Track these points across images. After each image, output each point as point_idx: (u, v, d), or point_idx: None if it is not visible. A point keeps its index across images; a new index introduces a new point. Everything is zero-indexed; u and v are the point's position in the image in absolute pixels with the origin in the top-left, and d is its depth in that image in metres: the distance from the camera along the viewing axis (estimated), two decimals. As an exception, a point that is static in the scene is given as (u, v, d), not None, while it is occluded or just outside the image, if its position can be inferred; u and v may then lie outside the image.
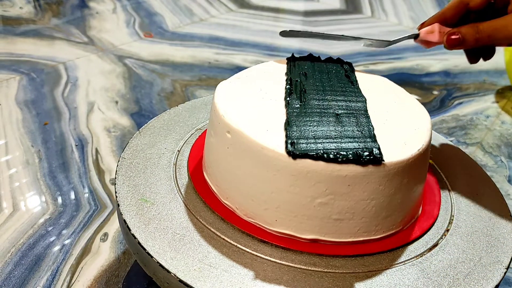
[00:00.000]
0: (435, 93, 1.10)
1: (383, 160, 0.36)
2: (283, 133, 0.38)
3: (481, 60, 0.49)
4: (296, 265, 0.38)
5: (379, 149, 0.37)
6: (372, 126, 0.39)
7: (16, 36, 1.19)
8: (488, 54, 0.48)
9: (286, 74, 0.46)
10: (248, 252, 0.39)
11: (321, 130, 0.38)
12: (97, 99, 0.96)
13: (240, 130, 0.38)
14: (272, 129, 0.38)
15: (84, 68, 1.07)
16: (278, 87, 0.44)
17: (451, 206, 0.46)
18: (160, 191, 0.44)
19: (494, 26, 0.42)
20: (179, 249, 0.38)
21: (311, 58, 0.50)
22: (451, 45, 0.44)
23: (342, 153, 0.36)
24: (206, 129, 0.47)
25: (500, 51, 1.06)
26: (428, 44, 0.48)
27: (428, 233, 0.42)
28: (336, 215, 0.38)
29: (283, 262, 0.38)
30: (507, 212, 0.47)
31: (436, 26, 0.46)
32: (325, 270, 0.38)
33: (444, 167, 0.52)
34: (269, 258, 0.38)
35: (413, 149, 0.39)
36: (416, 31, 0.48)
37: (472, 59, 0.48)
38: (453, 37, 0.44)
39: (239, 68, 1.11)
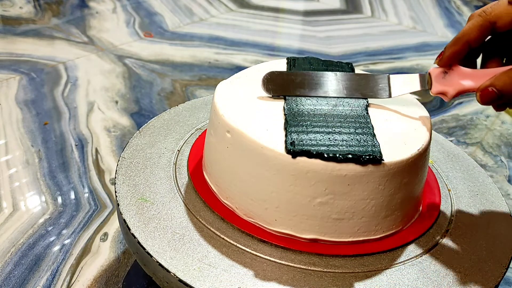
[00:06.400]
0: (435, 93, 1.10)
1: (383, 160, 0.36)
2: (283, 133, 0.38)
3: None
4: (295, 265, 0.38)
5: (379, 148, 0.37)
6: (372, 125, 0.39)
7: (16, 36, 1.19)
8: None
9: (286, 74, 0.46)
10: (247, 251, 0.39)
11: (321, 130, 0.38)
12: (97, 99, 0.96)
13: (240, 129, 0.38)
14: (271, 128, 0.38)
15: (84, 68, 1.07)
16: (278, 86, 0.44)
17: (451, 206, 0.46)
18: (160, 190, 0.44)
19: None
20: (178, 248, 0.38)
21: (311, 58, 0.49)
22: (487, 102, 0.36)
23: (341, 152, 0.36)
24: (206, 129, 0.47)
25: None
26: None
27: (428, 233, 0.42)
28: (336, 214, 0.38)
29: (283, 262, 0.38)
30: (507, 212, 0.47)
31: (450, 90, 0.39)
32: (325, 270, 0.38)
33: (444, 167, 0.52)
34: (268, 258, 0.38)
35: (413, 149, 0.39)
36: (426, 81, 0.41)
37: (500, 107, 0.39)
38: (487, 93, 0.36)
39: (239, 68, 1.11)
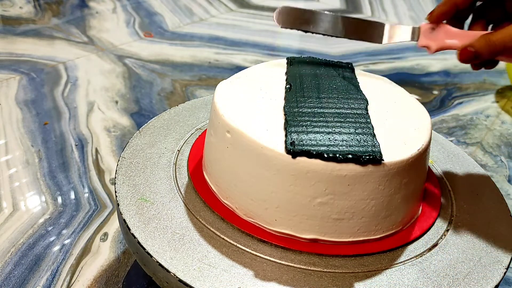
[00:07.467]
0: (435, 93, 1.10)
1: (383, 160, 0.36)
2: (283, 133, 0.38)
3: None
4: (295, 265, 0.38)
5: (379, 148, 0.37)
6: (372, 125, 0.39)
7: (16, 36, 1.19)
8: (491, 63, 0.44)
9: (286, 74, 0.46)
10: (247, 251, 0.39)
11: (321, 130, 0.38)
12: (97, 99, 0.96)
13: (240, 130, 0.38)
14: (271, 128, 0.38)
15: (84, 68, 1.07)
16: (277, 87, 0.44)
17: (451, 206, 0.46)
18: (160, 190, 0.44)
19: (509, 34, 0.38)
20: (178, 248, 0.38)
21: (311, 58, 0.50)
22: (465, 60, 0.41)
23: (341, 152, 0.36)
24: (206, 129, 0.47)
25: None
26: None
27: (428, 233, 0.42)
28: (336, 214, 0.38)
29: (283, 262, 0.38)
30: (507, 212, 0.47)
31: (433, 44, 0.44)
32: (325, 270, 0.38)
33: (444, 167, 0.52)
34: (268, 258, 0.38)
35: (413, 149, 0.39)
36: (416, 35, 0.45)
37: (476, 66, 0.44)
38: (466, 52, 0.40)
39: (239, 68, 1.11)
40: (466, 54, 0.40)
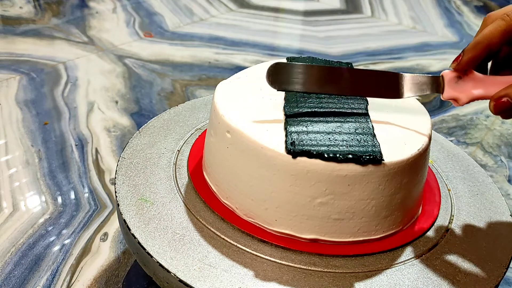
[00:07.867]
0: (435, 93, 1.10)
1: (383, 160, 0.36)
2: (283, 133, 0.38)
3: None
4: (296, 265, 0.38)
5: (379, 149, 0.37)
6: (372, 125, 0.39)
7: (16, 36, 1.19)
8: None
9: (286, 74, 0.46)
10: (248, 252, 0.39)
11: (321, 130, 0.38)
12: (97, 99, 0.96)
13: (240, 130, 0.38)
14: (272, 128, 0.38)
15: (84, 68, 1.07)
16: (278, 87, 0.44)
17: (451, 206, 0.46)
18: (160, 191, 0.44)
19: None
20: (179, 249, 0.38)
21: (311, 58, 0.49)
22: (500, 112, 0.35)
23: (342, 152, 0.36)
24: (206, 129, 0.47)
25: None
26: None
27: (428, 233, 0.42)
28: (336, 215, 0.38)
29: (283, 262, 0.38)
30: (507, 212, 0.47)
31: (462, 97, 0.38)
32: (325, 270, 0.38)
33: (444, 167, 0.52)
34: (269, 258, 0.38)
35: (413, 149, 0.39)
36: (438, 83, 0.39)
37: (509, 116, 0.37)
38: (501, 103, 0.35)
39: (239, 68, 1.11)
40: (502, 106, 0.35)
